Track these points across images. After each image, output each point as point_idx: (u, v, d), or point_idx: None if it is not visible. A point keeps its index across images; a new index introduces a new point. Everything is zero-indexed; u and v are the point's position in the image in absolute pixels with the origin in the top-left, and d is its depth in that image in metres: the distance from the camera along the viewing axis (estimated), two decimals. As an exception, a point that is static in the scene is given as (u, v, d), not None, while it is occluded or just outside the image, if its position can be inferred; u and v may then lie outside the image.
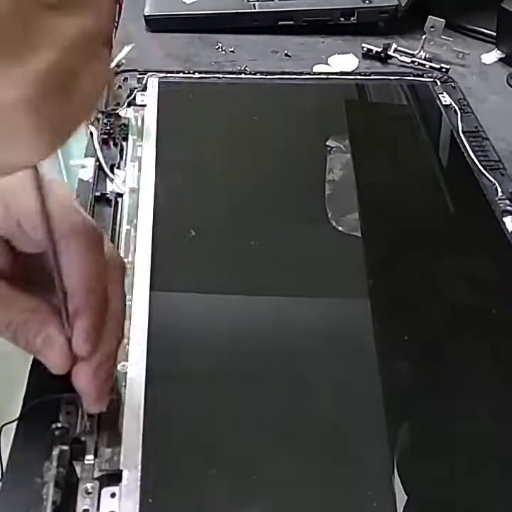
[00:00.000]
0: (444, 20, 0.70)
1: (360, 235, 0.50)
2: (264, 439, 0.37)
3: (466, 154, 0.58)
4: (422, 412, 0.39)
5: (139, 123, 0.58)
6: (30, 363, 0.39)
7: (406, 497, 0.35)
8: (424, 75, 0.69)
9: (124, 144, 0.56)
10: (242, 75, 0.67)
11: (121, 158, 0.55)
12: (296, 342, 0.43)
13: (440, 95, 0.65)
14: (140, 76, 0.64)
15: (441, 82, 0.68)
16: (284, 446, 0.37)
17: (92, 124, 0.58)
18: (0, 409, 0.44)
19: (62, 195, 0.32)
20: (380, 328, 0.43)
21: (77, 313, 0.31)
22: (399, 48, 0.72)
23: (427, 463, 0.36)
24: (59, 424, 0.34)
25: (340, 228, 0.51)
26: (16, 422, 0.36)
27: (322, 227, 0.51)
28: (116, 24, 0.91)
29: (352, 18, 0.76)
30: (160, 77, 0.64)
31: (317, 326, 0.44)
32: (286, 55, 0.73)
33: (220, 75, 0.66)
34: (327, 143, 0.58)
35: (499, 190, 0.54)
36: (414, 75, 0.69)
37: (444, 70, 0.70)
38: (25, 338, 0.31)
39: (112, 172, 0.53)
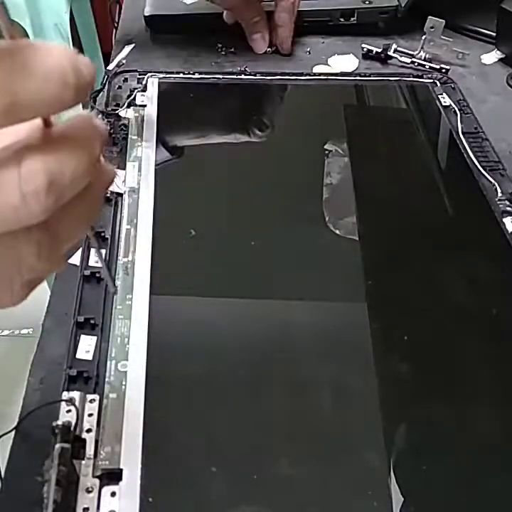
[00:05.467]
0: (443, 20, 0.70)
1: (360, 237, 0.50)
2: (264, 438, 0.37)
3: (465, 155, 0.58)
4: (422, 412, 0.39)
5: (139, 123, 0.59)
6: (31, 363, 0.39)
7: (406, 497, 0.35)
8: (424, 76, 0.69)
9: (124, 143, 0.56)
10: (242, 76, 0.67)
11: (121, 158, 0.55)
12: (295, 344, 0.43)
13: (440, 96, 0.65)
14: (140, 76, 0.64)
15: (440, 83, 0.68)
16: (284, 446, 0.37)
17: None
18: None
19: None
20: (380, 329, 0.43)
21: None
22: (399, 49, 0.72)
23: (426, 463, 0.36)
24: (59, 423, 0.34)
25: (338, 231, 0.51)
26: (15, 421, 0.36)
27: (321, 229, 0.51)
28: (116, 24, 0.91)
29: (352, 19, 0.76)
30: (160, 78, 0.64)
31: (316, 328, 0.44)
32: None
33: (220, 76, 0.66)
34: (325, 146, 0.58)
35: (499, 190, 0.54)
36: (413, 76, 0.69)
37: (443, 70, 0.70)
38: None
39: (112, 172, 0.53)
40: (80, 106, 0.23)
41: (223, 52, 0.73)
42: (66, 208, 0.22)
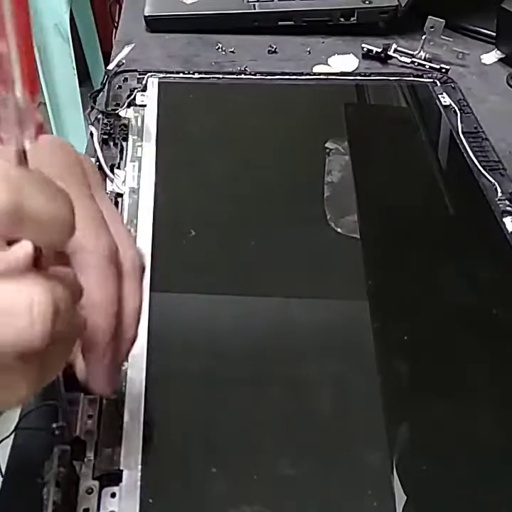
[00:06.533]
0: (443, 20, 0.70)
1: (360, 236, 0.50)
2: (264, 438, 0.37)
3: (465, 155, 0.58)
4: (422, 411, 0.39)
5: (139, 123, 0.59)
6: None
7: (406, 497, 0.35)
8: (424, 76, 0.69)
9: (124, 144, 0.56)
10: (242, 76, 0.67)
11: (121, 158, 0.55)
12: (295, 342, 0.43)
13: (440, 96, 0.65)
14: (140, 76, 0.64)
15: (441, 82, 0.68)
16: (284, 446, 0.37)
17: (92, 124, 0.58)
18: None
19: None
20: (381, 328, 0.43)
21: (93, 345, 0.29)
22: (399, 48, 0.72)
23: (426, 463, 0.36)
24: (59, 424, 0.34)
25: (339, 229, 0.51)
26: (16, 421, 0.36)
27: (322, 228, 0.51)
28: (116, 24, 0.91)
29: (352, 19, 0.76)
30: (160, 78, 0.64)
31: (317, 327, 0.44)
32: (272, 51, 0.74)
33: (220, 76, 0.66)
34: (326, 145, 0.58)
35: (499, 190, 0.54)
36: (414, 76, 0.69)
37: (443, 70, 0.70)
38: None
39: (112, 172, 0.53)
40: None
41: (223, 53, 0.73)
42: (53, 343, 0.23)
